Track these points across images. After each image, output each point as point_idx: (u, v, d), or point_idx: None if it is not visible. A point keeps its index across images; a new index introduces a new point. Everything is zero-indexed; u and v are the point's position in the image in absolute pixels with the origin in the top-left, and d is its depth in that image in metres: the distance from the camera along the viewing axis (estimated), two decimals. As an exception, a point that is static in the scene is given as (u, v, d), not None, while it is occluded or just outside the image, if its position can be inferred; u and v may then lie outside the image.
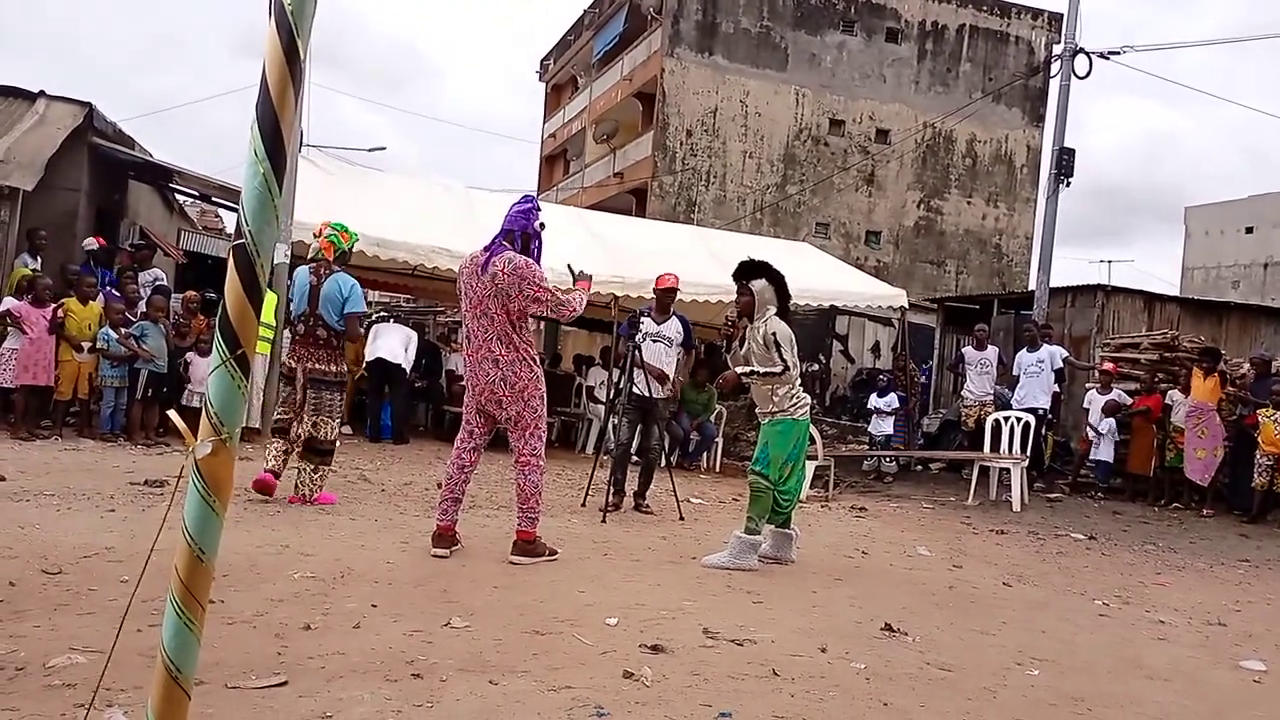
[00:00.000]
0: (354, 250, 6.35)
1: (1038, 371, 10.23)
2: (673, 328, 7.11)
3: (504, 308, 4.67)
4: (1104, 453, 10.18)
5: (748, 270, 5.43)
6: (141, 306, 8.76)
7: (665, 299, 7.14)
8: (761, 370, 5.26)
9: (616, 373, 7.23)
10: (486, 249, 4.79)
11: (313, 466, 5.88)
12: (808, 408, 5.42)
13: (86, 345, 8.05)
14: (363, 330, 6.09)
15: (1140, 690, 3.57)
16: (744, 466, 10.91)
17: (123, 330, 8.11)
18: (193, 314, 9.11)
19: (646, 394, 6.90)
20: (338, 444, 6.09)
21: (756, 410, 5.53)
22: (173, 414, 1.62)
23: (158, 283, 10.14)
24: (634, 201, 26.40)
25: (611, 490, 6.81)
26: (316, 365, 5.85)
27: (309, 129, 13.28)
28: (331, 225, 6.03)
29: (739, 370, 5.34)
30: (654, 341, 7.00)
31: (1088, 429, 10.39)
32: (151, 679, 1.42)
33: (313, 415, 5.87)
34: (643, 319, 7.06)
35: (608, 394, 9.67)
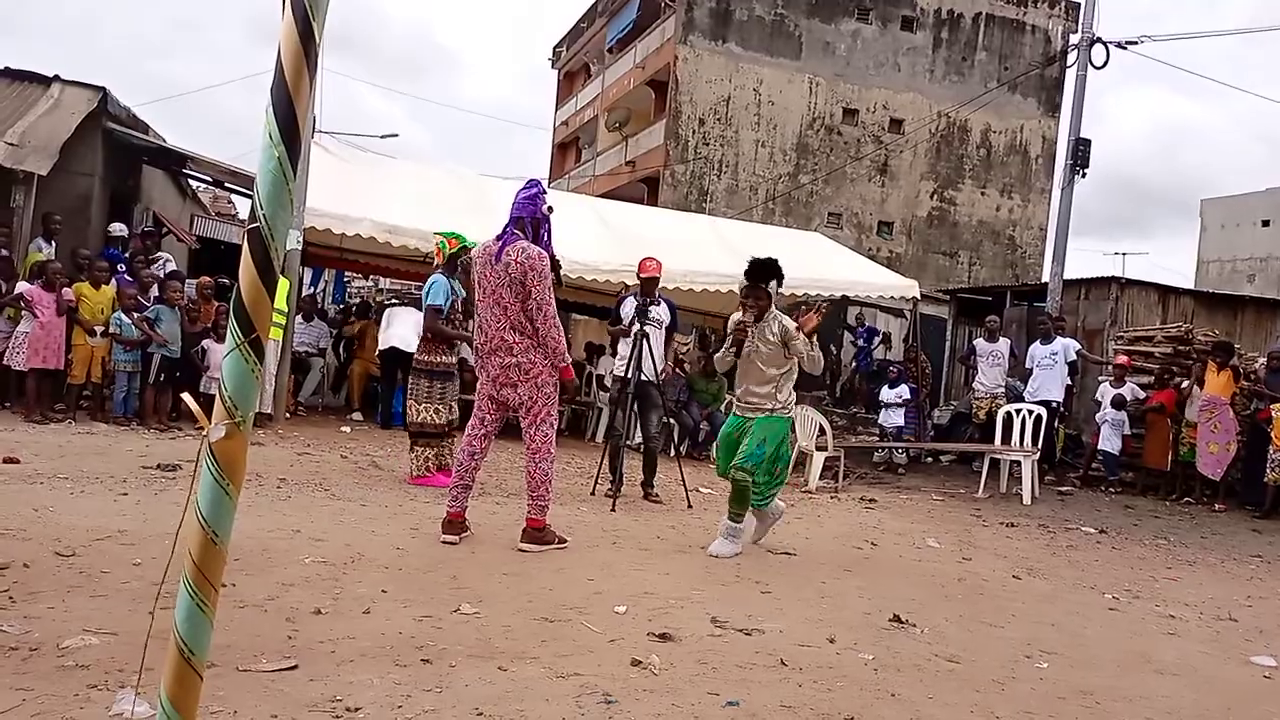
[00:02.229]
0: (369, 239, 6.60)
1: (1051, 364, 10.18)
2: (663, 311, 7.14)
3: (517, 297, 4.67)
4: (1110, 444, 10.12)
5: (766, 271, 5.18)
6: (154, 291, 8.79)
7: (649, 287, 7.12)
8: (808, 352, 5.14)
9: (618, 361, 7.20)
10: (499, 238, 4.80)
11: (409, 448, 6.61)
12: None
13: (99, 329, 8.09)
14: (442, 321, 6.52)
15: (1149, 685, 3.56)
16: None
17: (136, 314, 8.15)
18: (206, 299, 9.14)
19: (652, 379, 6.94)
20: (434, 427, 6.54)
21: (744, 402, 5.28)
22: (187, 397, 1.63)
23: (169, 266, 10.19)
24: (646, 190, 26.33)
25: (611, 480, 6.82)
26: (418, 355, 6.62)
27: (321, 115, 13.29)
28: (441, 234, 6.71)
29: (802, 349, 5.12)
30: (636, 324, 7.01)
31: (1099, 421, 10.34)
32: (164, 661, 1.43)
33: (411, 399, 6.59)
34: (636, 301, 7.06)
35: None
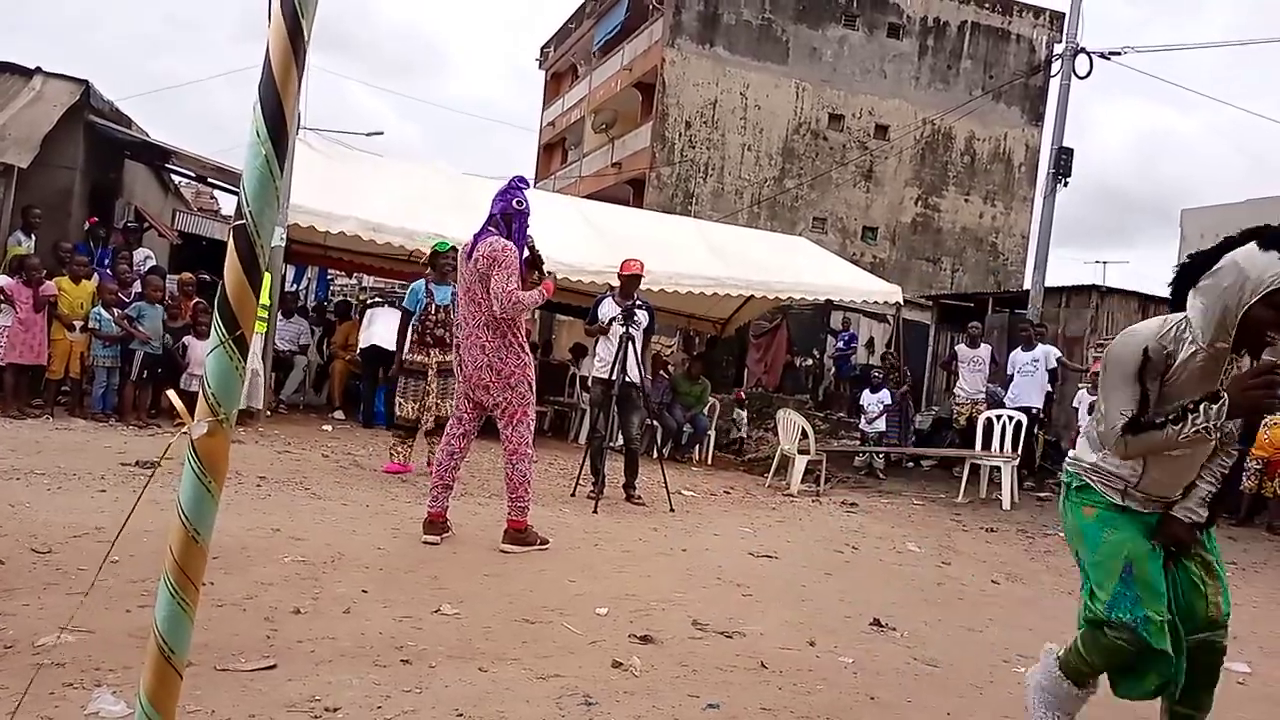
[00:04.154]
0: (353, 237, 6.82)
1: (1032, 371, 10.27)
2: (643, 315, 7.12)
3: (488, 292, 4.67)
4: (1092, 452, 10.21)
5: None
6: (136, 287, 8.72)
7: (630, 285, 7.11)
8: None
9: (599, 363, 7.20)
10: (475, 235, 4.81)
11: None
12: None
13: (78, 324, 8.02)
14: (415, 322, 7.18)
15: (1125, 689, 3.59)
16: (735, 459, 10.96)
17: (117, 311, 8.08)
18: (188, 295, 9.07)
19: (635, 381, 6.94)
20: (400, 420, 7.10)
21: (1184, 500, 2.60)
22: (172, 394, 1.62)
23: (150, 263, 10.10)
24: (632, 192, 26.35)
25: (594, 481, 6.82)
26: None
27: (306, 112, 13.24)
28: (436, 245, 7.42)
29: None
30: (619, 326, 7.01)
31: (1078, 429, 10.43)
32: (140, 659, 1.42)
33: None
34: (617, 304, 7.05)
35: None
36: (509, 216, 4.82)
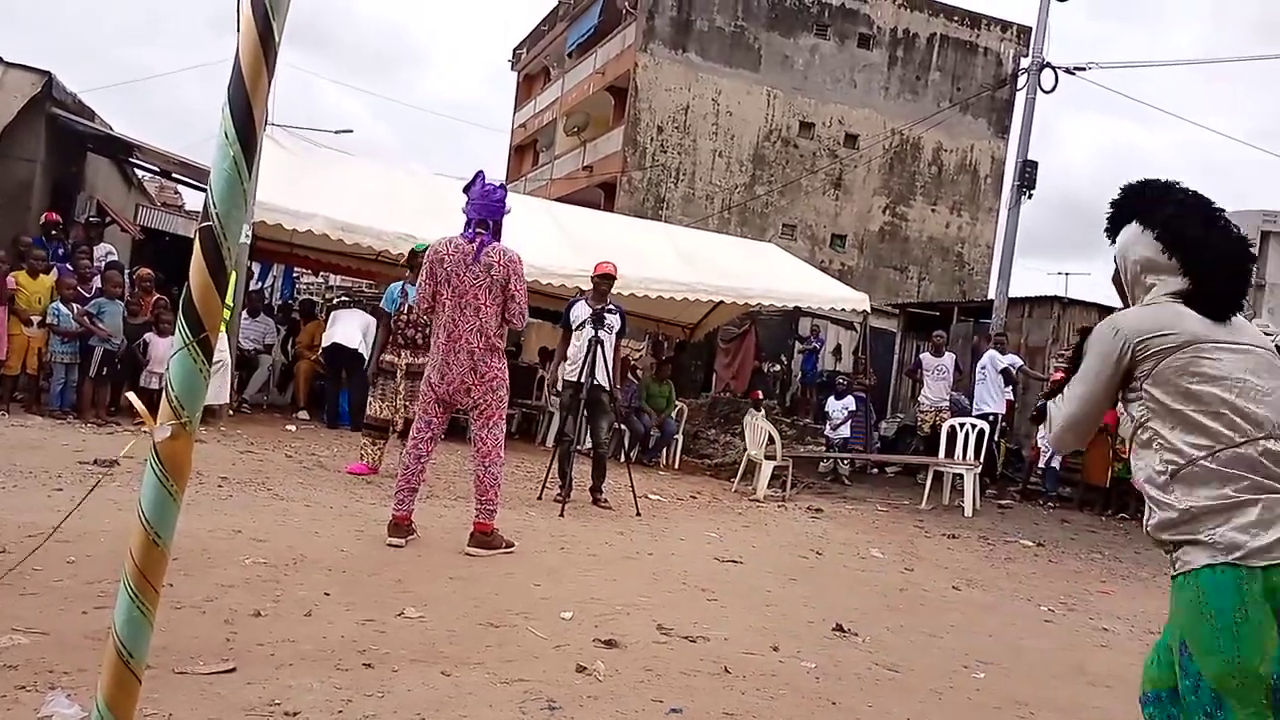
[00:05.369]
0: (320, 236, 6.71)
1: (982, 377, 10.58)
2: (614, 319, 7.11)
3: (495, 300, 4.66)
4: (1053, 461, 10.38)
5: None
6: (96, 282, 8.57)
7: (603, 285, 7.11)
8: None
9: (569, 366, 7.17)
10: (470, 238, 4.72)
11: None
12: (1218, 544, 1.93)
13: (36, 319, 7.87)
14: (396, 317, 7.09)
15: (1082, 695, 3.66)
16: (703, 464, 10.99)
17: (76, 306, 7.94)
18: (147, 292, 8.93)
19: (604, 384, 6.93)
20: (373, 420, 7.02)
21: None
22: (132, 396, 1.60)
23: (110, 258, 9.93)
24: (603, 195, 26.35)
25: (560, 484, 6.81)
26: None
27: (274, 108, 13.11)
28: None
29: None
30: (589, 329, 7.00)
31: (1037, 438, 10.60)
32: (96, 661, 1.40)
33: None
34: (589, 307, 7.03)
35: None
36: (498, 223, 4.82)
